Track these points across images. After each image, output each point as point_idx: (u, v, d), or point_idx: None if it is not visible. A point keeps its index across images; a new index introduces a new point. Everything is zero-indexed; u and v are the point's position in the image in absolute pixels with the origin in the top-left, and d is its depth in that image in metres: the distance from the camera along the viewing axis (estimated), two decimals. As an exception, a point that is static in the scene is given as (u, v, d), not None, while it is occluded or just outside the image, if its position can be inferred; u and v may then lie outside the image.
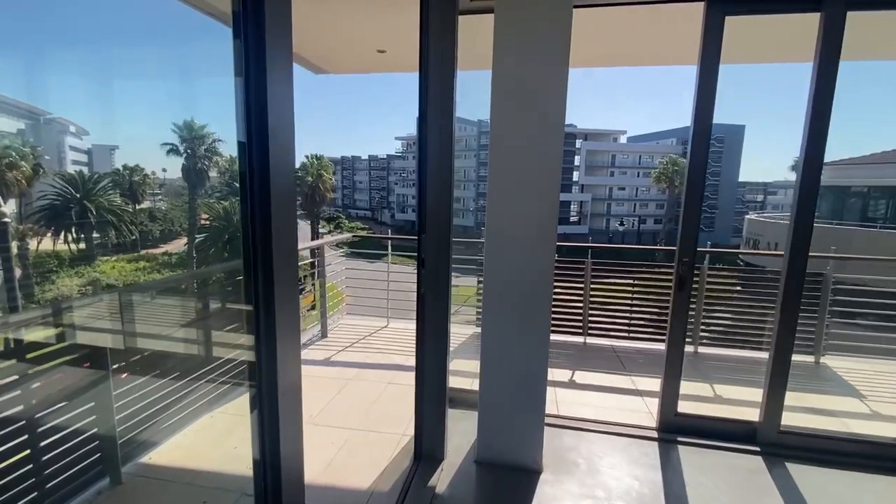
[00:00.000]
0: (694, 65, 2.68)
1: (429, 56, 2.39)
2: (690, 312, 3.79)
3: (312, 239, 38.49)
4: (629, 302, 4.74)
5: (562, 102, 2.24)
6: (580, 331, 4.78)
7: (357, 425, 3.10)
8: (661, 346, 4.71)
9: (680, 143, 58.75)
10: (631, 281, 4.81)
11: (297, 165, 39.77)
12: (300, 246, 4.64)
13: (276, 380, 1.05)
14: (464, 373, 3.77)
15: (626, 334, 4.70)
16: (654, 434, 2.95)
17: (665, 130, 65.15)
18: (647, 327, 4.67)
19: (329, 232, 70.50)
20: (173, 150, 26.73)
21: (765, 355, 4.28)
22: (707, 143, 2.73)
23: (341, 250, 5.47)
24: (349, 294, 5.41)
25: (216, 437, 2.96)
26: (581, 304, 4.73)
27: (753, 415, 2.92)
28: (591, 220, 55.33)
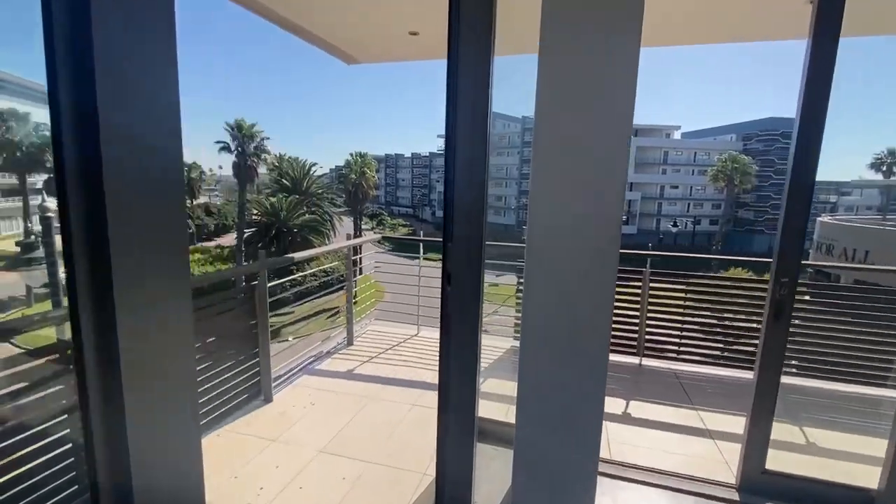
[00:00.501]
0: (791, 39, 2.07)
1: (459, 35, 1.96)
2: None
3: (355, 234, 39.09)
4: (697, 318, 4.09)
5: (630, 90, 1.73)
6: (634, 350, 4.18)
7: (374, 456, 2.72)
8: (736, 373, 4.08)
9: (740, 139, 54.83)
10: (698, 293, 4.15)
11: (342, 163, 40.44)
12: (335, 245, 4.37)
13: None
14: (498, 397, 3.32)
15: (691, 357, 4.06)
16: (735, 495, 2.37)
17: (723, 126, 61.08)
18: (720, 349, 4.01)
19: (371, 229, 71.60)
20: (225, 148, 27.76)
21: (881, 392, 3.53)
22: (820, 135, 2.11)
23: (382, 247, 5.15)
24: (379, 299, 5.08)
25: (216, 461, 2.67)
26: (636, 320, 4.13)
27: (870, 477, 2.28)
28: (641, 220, 52.79)
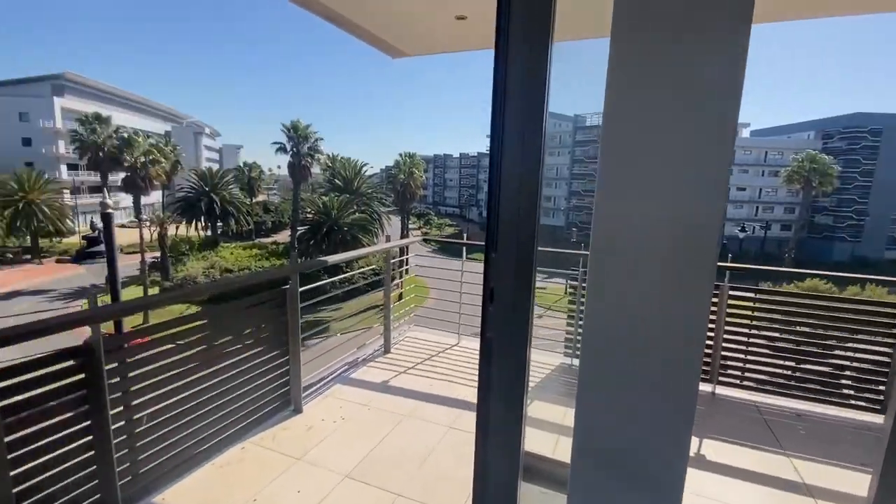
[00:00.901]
0: None
1: (510, 14, 1.61)
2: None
3: (402, 233, 39.30)
4: (786, 340, 3.47)
5: (737, 76, 1.30)
6: (706, 376, 3.63)
7: (404, 487, 2.44)
8: (844, 413, 3.36)
9: (819, 138, 49.98)
10: (791, 311, 3.53)
11: (391, 163, 41.10)
12: (372, 248, 4.16)
13: None
14: (544, 424, 2.93)
15: (778, 388, 3.45)
16: (855, 583, 1.85)
17: (799, 123, 55.92)
18: (821, 381, 3.38)
19: (418, 228, 72.29)
20: (281, 149, 28.86)
21: None
22: None
23: (426, 247, 4.91)
24: (419, 304, 4.81)
25: (237, 479, 2.49)
26: (711, 341, 3.58)
27: None
28: (702, 224, 49.44)
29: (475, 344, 4.44)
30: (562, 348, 4.13)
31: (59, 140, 43.75)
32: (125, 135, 31.13)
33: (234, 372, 2.71)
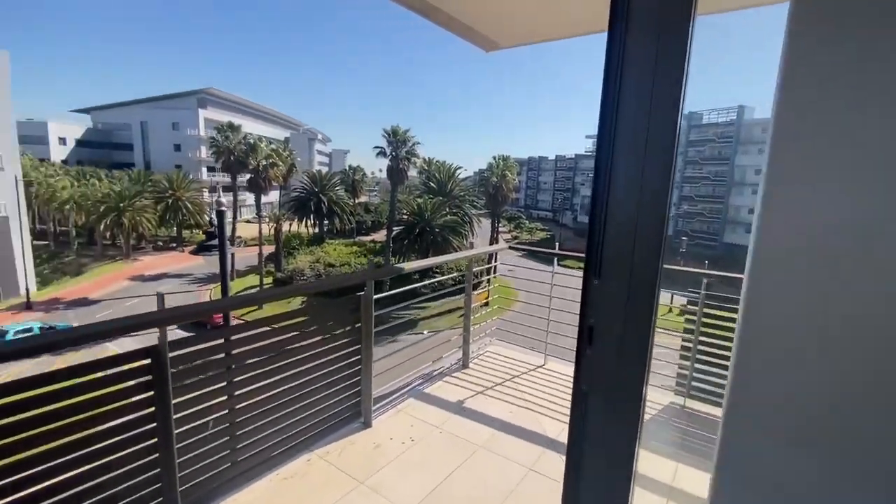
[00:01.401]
0: None
1: None
2: None
3: (491, 237, 38.90)
4: None
5: None
6: None
7: (472, 538, 2.09)
8: None
9: None
10: None
11: (484, 166, 41.03)
12: (464, 253, 3.89)
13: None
14: (649, 482, 2.37)
15: None
16: None
17: None
18: None
19: (509, 231, 71.28)
20: (382, 153, 30.28)
21: None
22: None
23: (515, 253, 4.52)
24: (501, 317, 4.41)
25: (297, 497, 2.34)
26: None
27: None
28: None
29: (564, 368, 3.94)
30: (663, 379, 3.45)
31: (202, 146, 51.03)
32: (251, 141, 35.17)
33: (304, 379, 2.60)
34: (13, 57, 31.60)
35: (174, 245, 45.38)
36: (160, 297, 1.91)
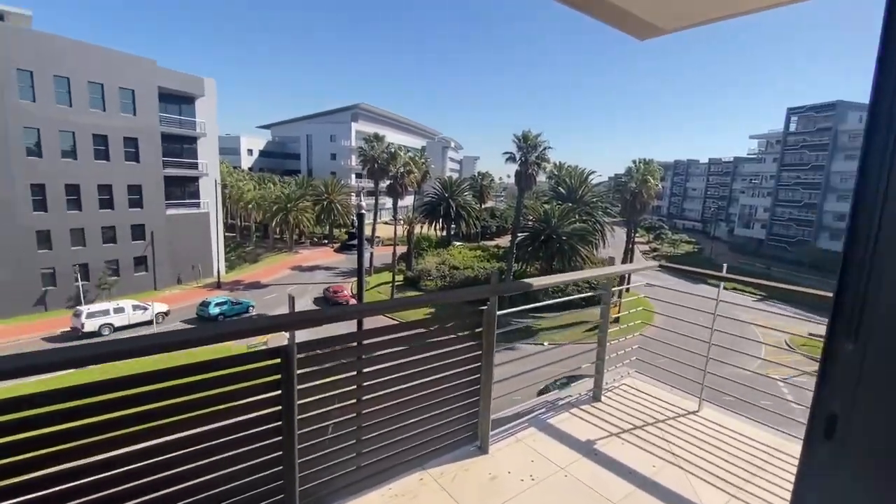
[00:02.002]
0: None
1: None
2: None
3: (626, 247, 35.70)
4: None
5: None
6: None
7: None
8: None
9: None
10: None
11: (622, 171, 37.96)
12: (604, 270, 3.42)
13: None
14: None
15: None
16: None
17: None
18: None
19: (647, 242, 64.74)
20: (511, 158, 30.15)
21: None
22: None
23: (657, 271, 3.89)
24: (644, 346, 3.76)
25: (408, 524, 2.20)
26: None
27: None
28: None
29: (725, 419, 3.17)
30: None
31: (352, 155, 57.27)
32: (392, 150, 38.22)
33: (423, 392, 2.48)
34: (218, 82, 39.22)
35: (326, 241, 51.84)
36: (291, 300, 1.95)
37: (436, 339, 2.55)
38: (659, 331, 3.63)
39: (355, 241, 40.56)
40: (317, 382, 2.10)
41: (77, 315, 23.83)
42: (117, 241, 29.89)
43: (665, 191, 71.96)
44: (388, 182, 39.13)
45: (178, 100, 33.22)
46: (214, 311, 27.31)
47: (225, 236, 41.13)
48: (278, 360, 1.92)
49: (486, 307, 2.61)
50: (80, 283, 27.76)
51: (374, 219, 42.58)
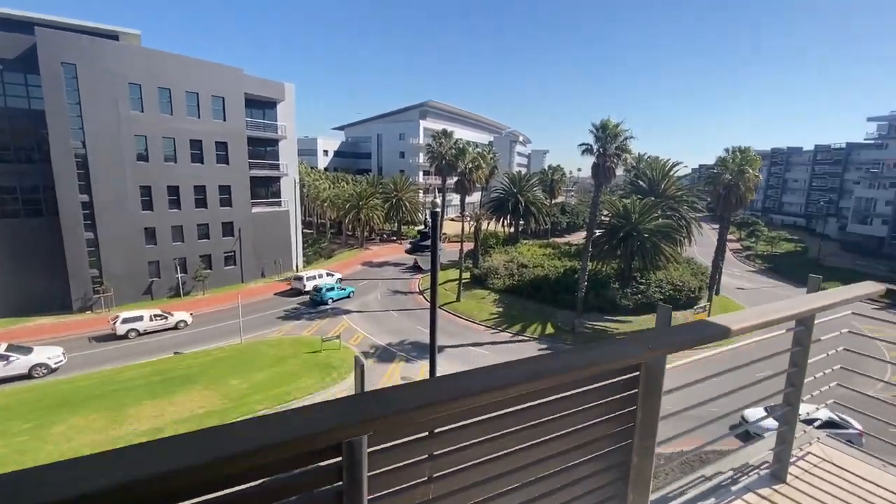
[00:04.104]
0: None
1: None
2: None
3: (719, 246, 32.28)
4: None
5: None
6: None
7: None
8: None
9: None
10: None
11: (713, 161, 34.33)
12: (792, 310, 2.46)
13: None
14: None
15: None
16: None
17: None
18: None
19: (738, 240, 58.37)
20: (588, 150, 28.38)
21: None
22: None
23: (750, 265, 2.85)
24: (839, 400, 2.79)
25: None
26: None
27: None
28: None
29: None
30: None
31: (420, 152, 57.78)
32: (461, 146, 37.82)
33: (550, 487, 1.73)
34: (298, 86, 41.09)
35: (394, 238, 52.86)
36: (359, 369, 1.37)
37: (566, 412, 1.75)
38: (857, 378, 2.67)
39: (426, 242, 40.78)
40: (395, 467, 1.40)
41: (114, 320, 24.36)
42: (210, 238, 32.48)
43: (761, 182, 64.55)
44: (455, 178, 38.76)
45: (261, 104, 35.37)
46: (327, 295, 30.37)
47: (303, 233, 43.29)
48: (339, 459, 1.24)
49: (639, 371, 1.83)
50: (179, 275, 30.57)
51: (441, 215, 42.54)
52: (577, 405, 1.68)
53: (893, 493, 2.34)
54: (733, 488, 2.38)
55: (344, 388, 18.65)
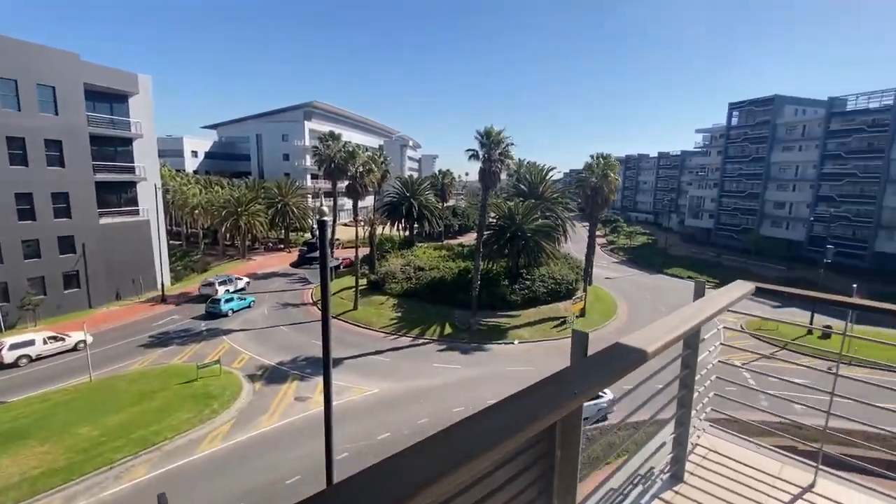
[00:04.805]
0: None
1: None
2: None
3: (590, 242, 36.07)
4: None
5: None
6: None
7: None
8: None
9: None
10: None
11: (581, 166, 38.39)
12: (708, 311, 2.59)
13: None
14: None
15: None
16: None
17: None
18: None
19: (603, 235, 66.33)
20: (474, 156, 29.46)
21: None
22: None
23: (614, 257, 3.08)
24: (719, 392, 3.00)
25: None
26: None
27: None
28: None
29: (851, 495, 2.43)
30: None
31: (306, 154, 54.76)
32: (350, 149, 36.62)
33: None
34: (155, 81, 36.00)
35: (281, 246, 49.23)
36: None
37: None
38: (732, 368, 2.91)
39: (315, 253, 38.60)
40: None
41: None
42: (42, 256, 26.63)
43: (619, 185, 74.17)
44: (346, 182, 37.45)
45: (108, 98, 30.10)
46: (226, 307, 28.31)
47: (169, 245, 37.99)
48: None
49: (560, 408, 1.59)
50: (-3, 305, 24.50)
51: (334, 221, 40.77)
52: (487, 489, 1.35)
53: (767, 474, 2.56)
54: (641, 482, 2.38)
55: (227, 418, 16.60)
